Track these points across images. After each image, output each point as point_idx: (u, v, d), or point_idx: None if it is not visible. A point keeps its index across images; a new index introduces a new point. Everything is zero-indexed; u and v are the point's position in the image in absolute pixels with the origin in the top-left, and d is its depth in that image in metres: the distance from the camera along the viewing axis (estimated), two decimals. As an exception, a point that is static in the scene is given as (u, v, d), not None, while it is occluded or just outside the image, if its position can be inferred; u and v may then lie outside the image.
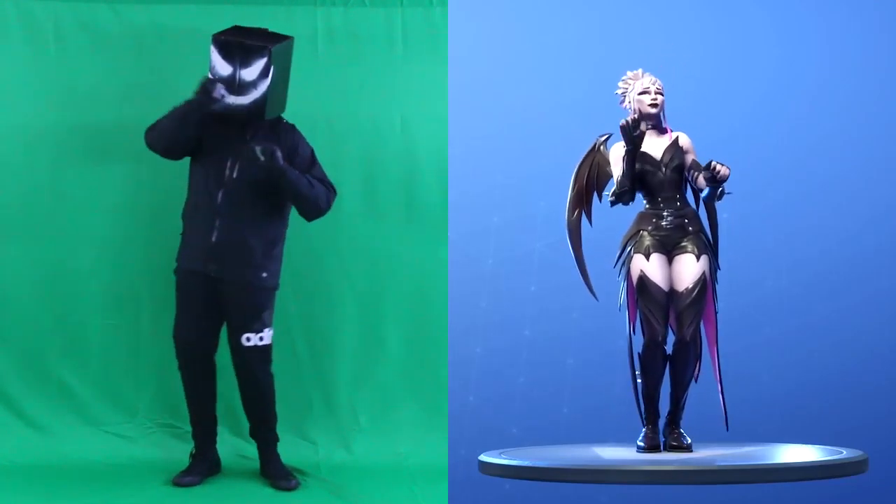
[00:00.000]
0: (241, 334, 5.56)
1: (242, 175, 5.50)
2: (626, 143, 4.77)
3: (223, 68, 5.49)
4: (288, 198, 5.54)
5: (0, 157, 5.93)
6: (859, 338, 5.87)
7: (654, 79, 4.93)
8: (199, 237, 5.53)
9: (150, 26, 5.94)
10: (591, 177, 4.97)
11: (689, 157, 4.90)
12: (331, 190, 5.62)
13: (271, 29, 5.64)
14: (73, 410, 6.00)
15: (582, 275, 5.00)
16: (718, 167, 4.70)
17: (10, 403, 5.97)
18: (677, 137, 4.92)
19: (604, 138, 4.99)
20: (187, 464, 5.73)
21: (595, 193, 4.98)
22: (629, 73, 4.98)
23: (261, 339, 5.58)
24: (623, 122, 4.76)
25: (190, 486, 5.62)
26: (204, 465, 5.72)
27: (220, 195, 5.50)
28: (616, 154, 4.88)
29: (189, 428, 5.84)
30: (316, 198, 5.54)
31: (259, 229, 5.54)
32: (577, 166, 4.99)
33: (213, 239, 5.50)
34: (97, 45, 5.94)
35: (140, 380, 6.05)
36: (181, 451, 5.86)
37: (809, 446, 5.03)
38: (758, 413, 5.79)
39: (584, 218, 4.99)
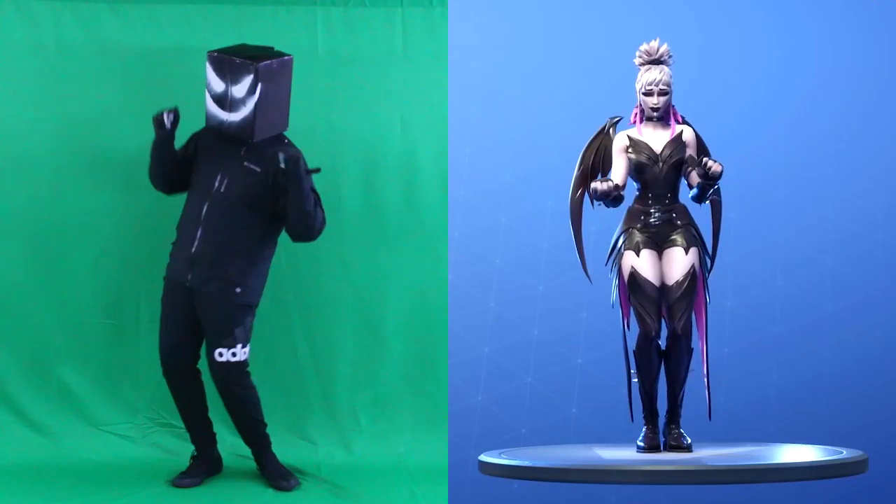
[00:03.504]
0: (215, 349, 5.52)
1: (230, 190, 5.48)
2: (596, 198, 4.80)
3: (216, 84, 5.47)
4: (289, 207, 5.40)
5: (0, 156, 5.94)
6: (859, 338, 5.87)
7: (659, 76, 4.87)
8: (182, 248, 5.53)
9: (150, 26, 5.93)
10: (598, 159, 4.96)
11: (688, 152, 4.88)
12: (324, 220, 5.50)
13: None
14: (73, 410, 5.99)
15: (579, 254, 4.99)
16: (711, 164, 4.70)
17: (10, 403, 5.97)
18: (681, 132, 4.90)
19: (614, 121, 4.98)
20: (187, 465, 5.74)
21: (599, 175, 4.96)
22: (643, 48, 4.91)
23: (233, 354, 5.52)
24: (596, 188, 4.76)
25: (189, 488, 5.62)
26: (203, 467, 5.71)
27: (205, 208, 5.49)
28: (619, 144, 4.88)
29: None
30: (314, 218, 5.45)
31: (239, 245, 5.48)
32: (585, 146, 4.98)
33: (193, 249, 5.49)
34: (97, 45, 5.94)
35: (140, 380, 6.04)
36: (181, 451, 5.86)
37: (809, 446, 5.04)
38: (758, 413, 5.80)
39: (586, 198, 4.98)
